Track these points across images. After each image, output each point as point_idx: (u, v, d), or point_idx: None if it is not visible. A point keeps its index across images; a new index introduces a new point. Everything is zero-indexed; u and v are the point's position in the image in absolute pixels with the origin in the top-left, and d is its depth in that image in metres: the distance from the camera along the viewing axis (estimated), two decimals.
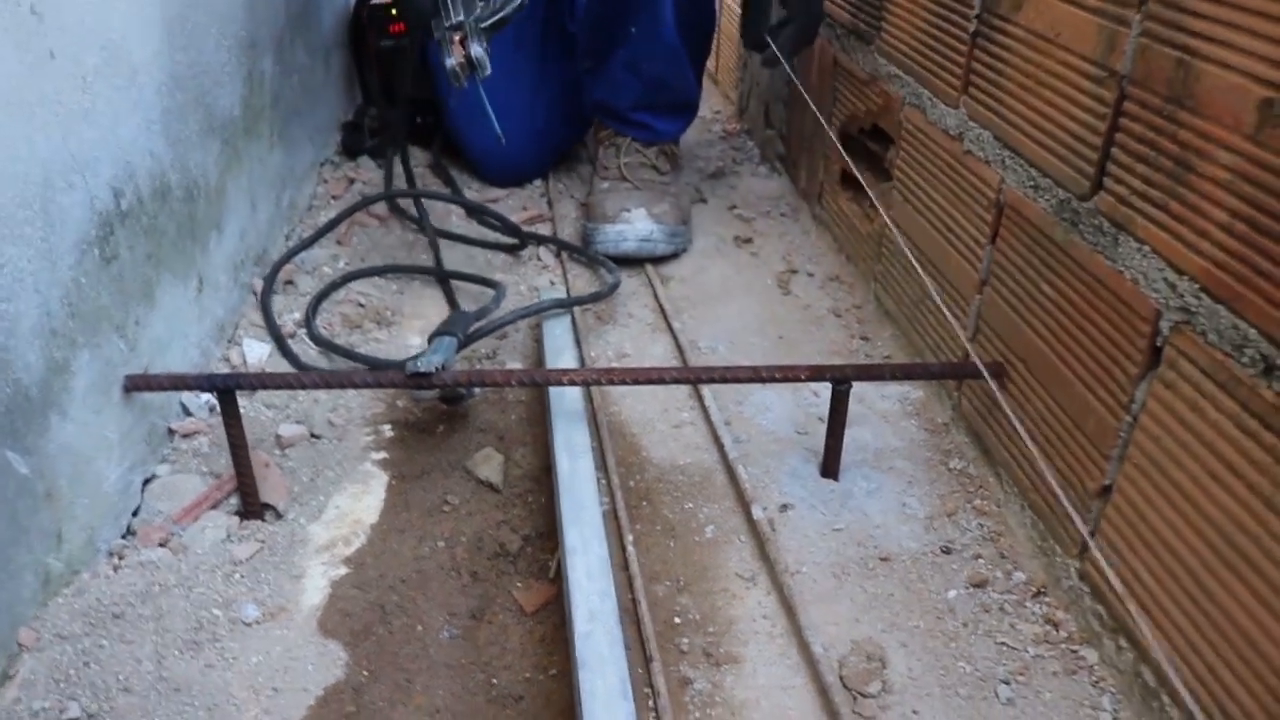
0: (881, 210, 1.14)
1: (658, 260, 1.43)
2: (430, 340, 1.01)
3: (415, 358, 0.93)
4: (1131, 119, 0.74)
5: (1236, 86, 0.63)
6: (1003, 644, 0.80)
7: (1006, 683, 0.77)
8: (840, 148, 1.32)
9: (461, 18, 1.16)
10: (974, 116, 0.99)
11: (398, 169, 1.67)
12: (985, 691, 0.76)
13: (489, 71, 1.15)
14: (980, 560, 0.89)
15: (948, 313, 0.95)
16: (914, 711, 0.74)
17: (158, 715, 0.73)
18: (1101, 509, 0.78)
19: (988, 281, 0.96)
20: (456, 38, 1.15)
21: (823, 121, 1.43)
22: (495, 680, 0.79)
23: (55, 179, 0.79)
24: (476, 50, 1.14)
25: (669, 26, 1.43)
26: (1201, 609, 0.67)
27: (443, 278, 1.35)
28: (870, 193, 1.09)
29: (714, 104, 2.13)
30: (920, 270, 1.08)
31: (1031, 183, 0.88)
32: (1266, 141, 0.61)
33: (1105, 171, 0.78)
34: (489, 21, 1.19)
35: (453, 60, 1.13)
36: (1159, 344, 0.71)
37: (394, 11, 1.70)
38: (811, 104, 1.39)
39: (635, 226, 1.40)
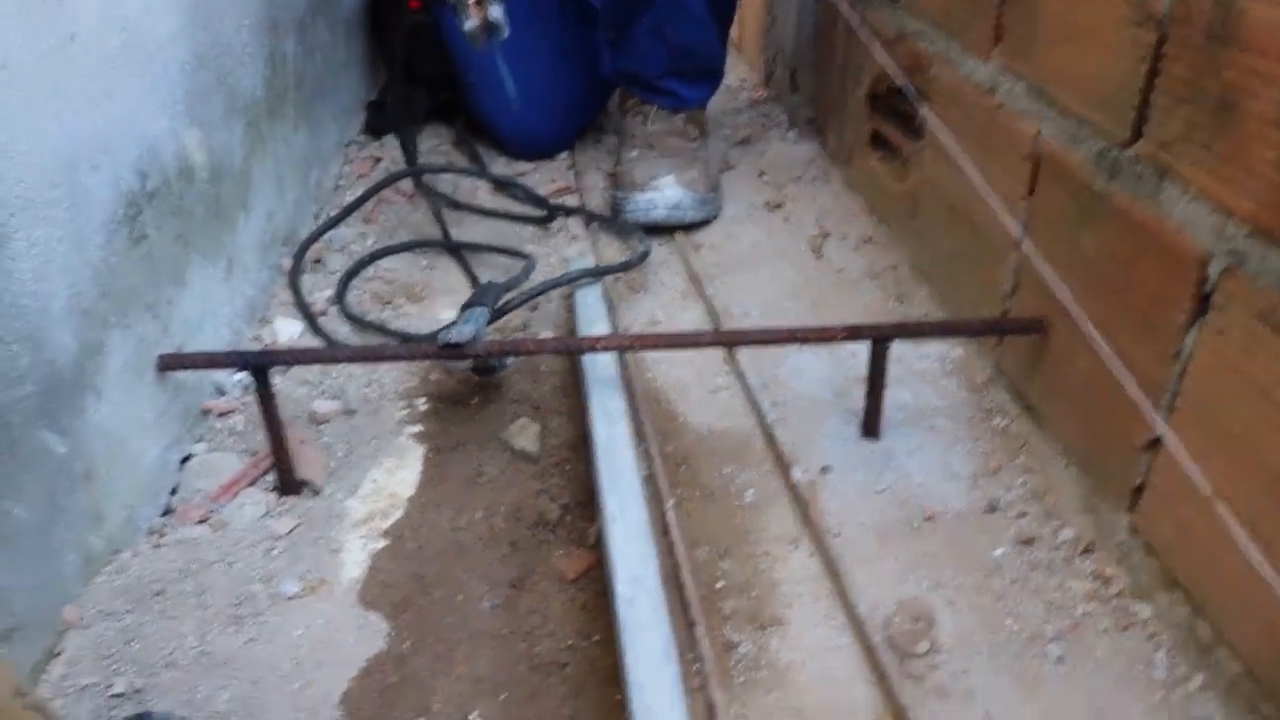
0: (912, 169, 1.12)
1: (688, 228, 1.41)
2: (461, 312, 1.01)
3: (447, 329, 0.93)
4: (1172, 60, 0.72)
5: None
6: (1052, 601, 0.79)
7: (1057, 640, 0.75)
8: (867, 108, 1.30)
9: None
10: (1007, 69, 0.97)
11: (422, 146, 1.67)
12: (1035, 650, 0.75)
13: (507, 33, 1.14)
14: (1026, 518, 0.87)
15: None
16: (963, 671, 0.73)
17: (201, 689, 0.73)
18: (1151, 461, 0.76)
19: (1027, 235, 0.94)
20: (472, 0, 1.14)
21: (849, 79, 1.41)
22: (538, 649, 0.78)
23: (80, 160, 0.78)
24: (495, 12, 1.13)
25: None
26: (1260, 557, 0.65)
27: (458, 250, 1.34)
28: (903, 150, 1.07)
29: (740, 72, 2.11)
30: (956, 228, 1.07)
31: (1069, 133, 0.86)
32: None
33: (1145, 117, 0.76)
34: None
35: (472, 22, 1.12)
36: (1207, 290, 0.69)
37: None
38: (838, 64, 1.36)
39: (665, 194, 1.38)
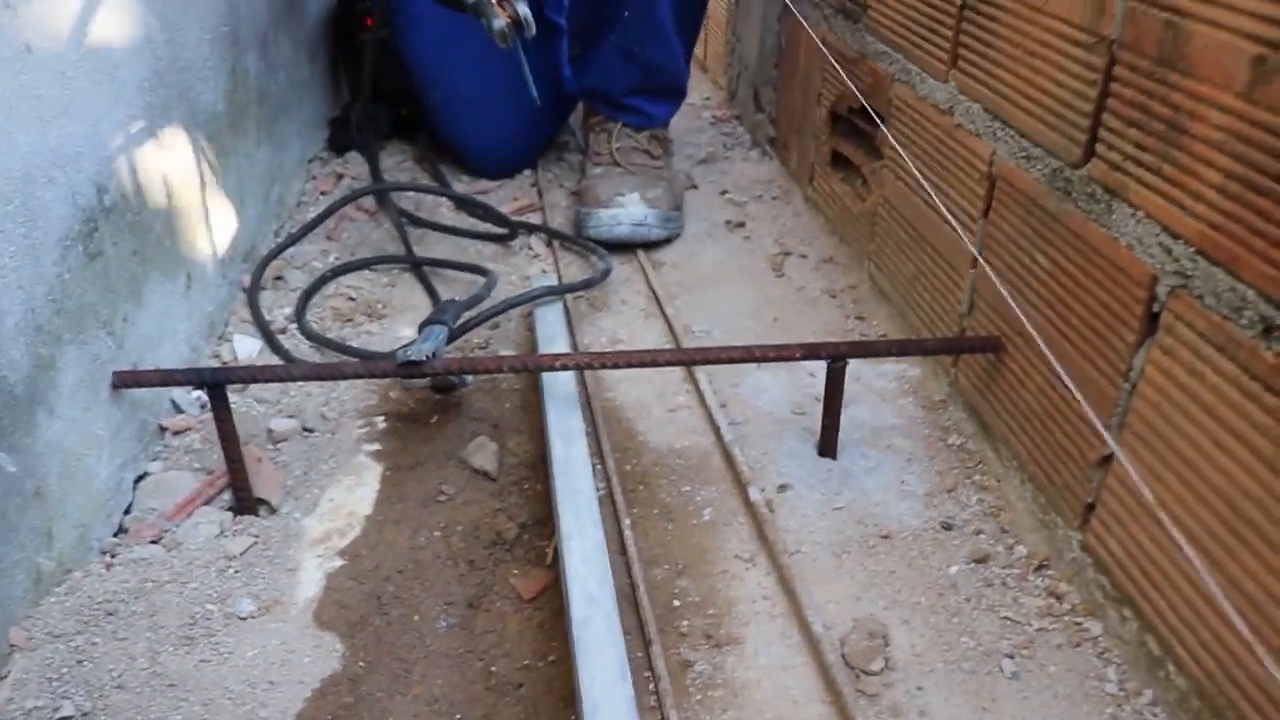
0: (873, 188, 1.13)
1: (650, 246, 1.42)
2: (420, 329, 1.00)
3: (406, 347, 0.92)
4: (1122, 84, 0.73)
5: (1228, 45, 0.62)
6: (1006, 618, 0.79)
7: (1011, 656, 0.76)
8: (828, 128, 1.31)
9: None
10: (964, 90, 0.98)
11: (385, 163, 1.67)
12: (989, 666, 0.75)
13: (534, 30, 1.14)
14: (981, 535, 0.88)
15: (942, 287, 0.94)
16: (918, 688, 0.74)
17: (152, 711, 0.72)
18: (1102, 479, 0.77)
19: (982, 255, 0.95)
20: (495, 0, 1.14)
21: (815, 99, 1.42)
22: (494, 668, 0.78)
23: (36, 174, 0.78)
24: (523, 9, 1.13)
25: (665, 11, 1.43)
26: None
27: (419, 266, 1.34)
28: (862, 171, 1.08)
29: (703, 90, 2.12)
30: (914, 248, 1.08)
31: (1023, 153, 0.87)
32: (1260, 99, 0.60)
33: (1097, 138, 0.77)
34: None
35: (500, 21, 1.12)
36: (1156, 310, 0.71)
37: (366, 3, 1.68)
38: (798, 86, 1.38)
39: (629, 211, 1.39)
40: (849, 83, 1.24)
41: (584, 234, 1.42)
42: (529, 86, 1.20)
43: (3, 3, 0.73)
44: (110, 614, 0.79)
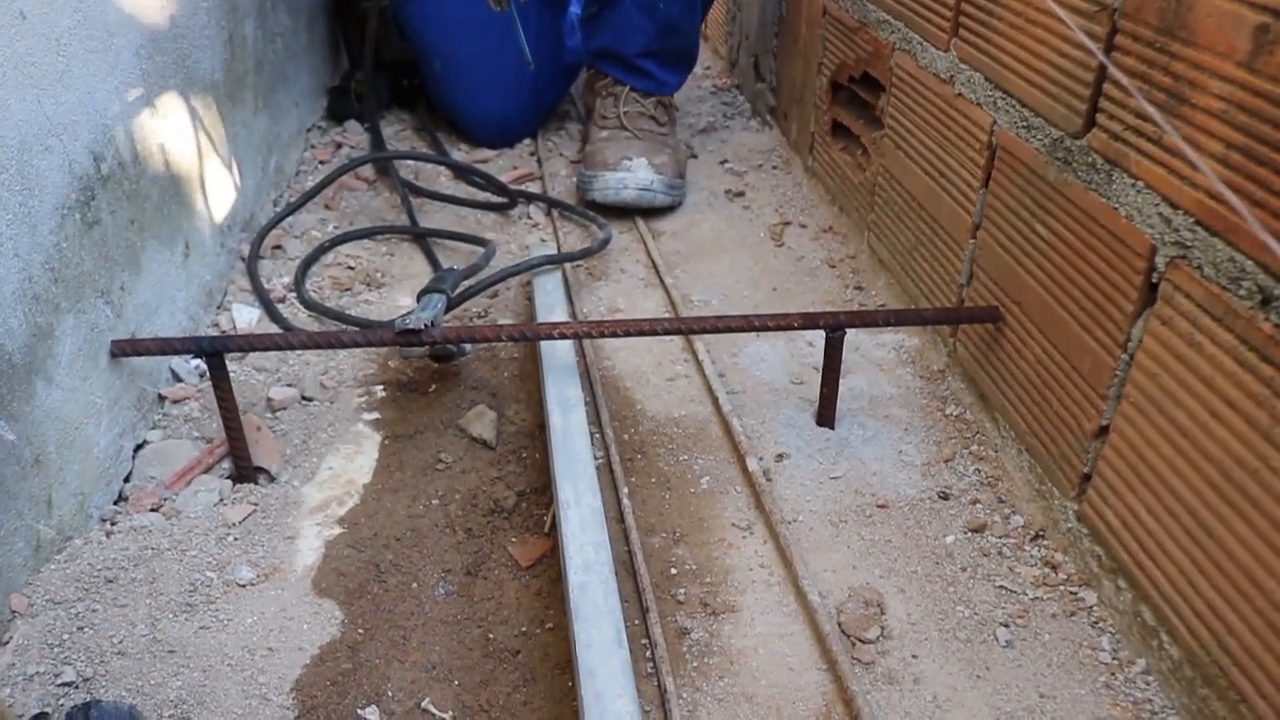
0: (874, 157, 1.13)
1: (649, 215, 1.42)
2: (419, 298, 1.00)
3: (404, 315, 0.92)
4: (1123, 53, 0.73)
5: (1230, 13, 0.62)
6: (1001, 587, 0.80)
7: (1006, 625, 0.76)
8: (829, 97, 1.31)
9: None
10: (965, 59, 0.97)
11: (384, 132, 1.66)
12: (984, 635, 0.76)
13: None
14: (978, 505, 0.88)
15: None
16: (913, 656, 0.74)
17: (152, 677, 0.72)
18: (1099, 450, 0.77)
19: (981, 225, 0.95)
20: None
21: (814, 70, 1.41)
22: (492, 635, 0.78)
23: (32, 142, 0.77)
24: None
25: None
26: (1201, 546, 0.66)
27: (421, 236, 1.34)
28: (862, 140, 1.08)
29: (704, 59, 2.11)
30: (913, 218, 1.07)
31: (1024, 123, 0.87)
32: (1261, 69, 0.60)
33: (1097, 108, 0.76)
34: None
35: None
36: (1155, 280, 0.70)
37: None
38: (800, 53, 1.37)
39: (636, 175, 1.38)
40: (848, 51, 1.23)
41: (588, 197, 1.41)
42: (523, 49, 1.19)
43: None
44: (110, 581, 0.80)
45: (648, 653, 0.75)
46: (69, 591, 0.78)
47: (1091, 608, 0.77)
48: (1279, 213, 0.59)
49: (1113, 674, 0.72)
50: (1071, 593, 0.79)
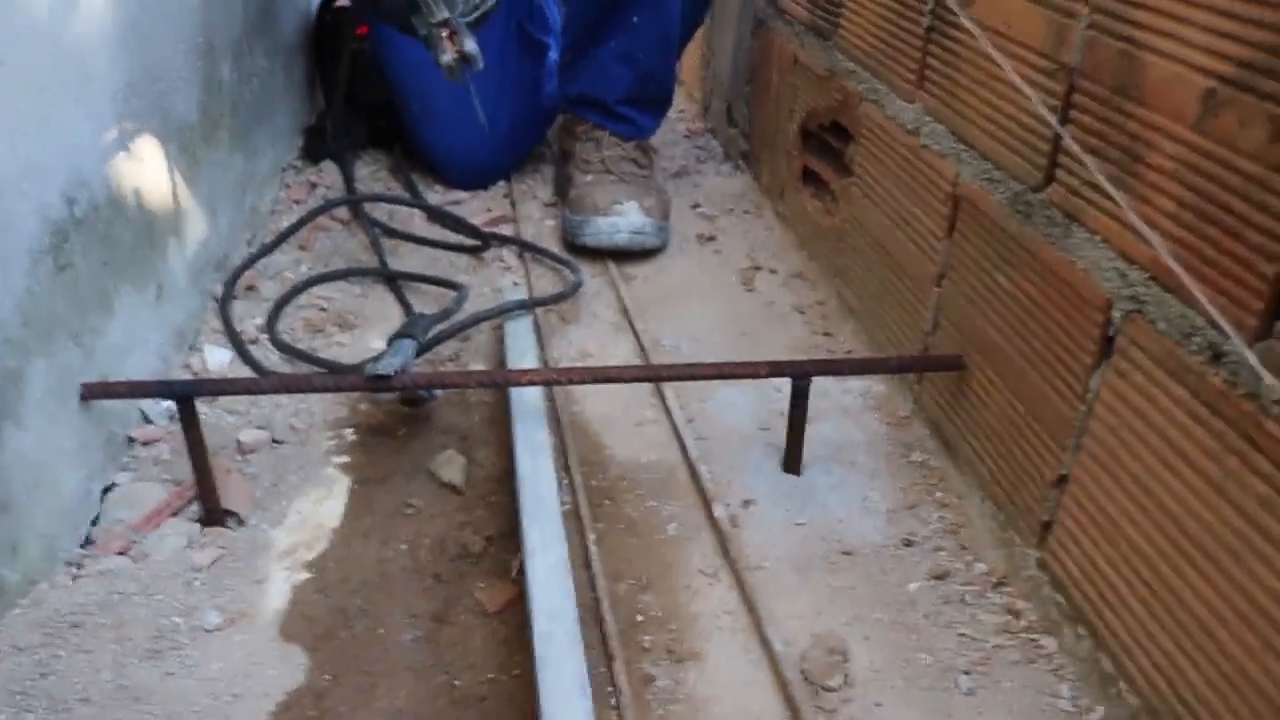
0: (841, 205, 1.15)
1: (621, 258, 1.43)
2: (390, 343, 1.01)
3: (375, 361, 0.93)
4: (1081, 111, 0.75)
5: (1179, 77, 0.64)
6: (964, 635, 0.81)
7: (967, 673, 0.77)
8: (799, 144, 1.33)
9: (446, 14, 1.16)
10: (930, 111, 0.99)
11: (359, 172, 1.67)
12: (946, 682, 0.77)
13: (482, 64, 1.16)
14: (942, 552, 0.89)
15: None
16: (876, 704, 0.75)
17: None
18: (1059, 498, 0.79)
19: (946, 275, 0.97)
20: (445, 33, 1.15)
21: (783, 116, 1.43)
22: (458, 681, 0.79)
23: (5, 186, 0.78)
24: (470, 45, 1.14)
25: (674, 22, 1.45)
26: (1156, 595, 0.67)
27: (392, 279, 1.34)
28: (831, 188, 1.10)
29: (678, 104, 2.13)
30: (880, 265, 1.09)
31: (986, 175, 0.89)
32: (1210, 131, 0.62)
33: (1056, 163, 0.78)
34: (472, 16, 1.19)
35: (448, 56, 1.13)
36: (1111, 333, 0.72)
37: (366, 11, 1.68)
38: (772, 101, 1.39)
39: (629, 219, 1.40)
40: (818, 99, 1.26)
41: (578, 242, 1.42)
42: (477, 112, 1.21)
43: None
44: (76, 626, 0.79)
45: (613, 700, 0.75)
46: (33, 637, 0.78)
47: (1052, 655, 0.78)
48: (1228, 271, 0.61)
49: None
50: (1032, 640, 0.80)
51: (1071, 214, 0.77)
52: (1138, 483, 0.69)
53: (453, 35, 1.14)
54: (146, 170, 1.05)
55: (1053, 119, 0.75)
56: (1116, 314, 0.71)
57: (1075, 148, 0.72)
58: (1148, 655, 0.68)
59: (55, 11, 0.86)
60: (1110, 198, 0.71)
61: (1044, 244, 0.80)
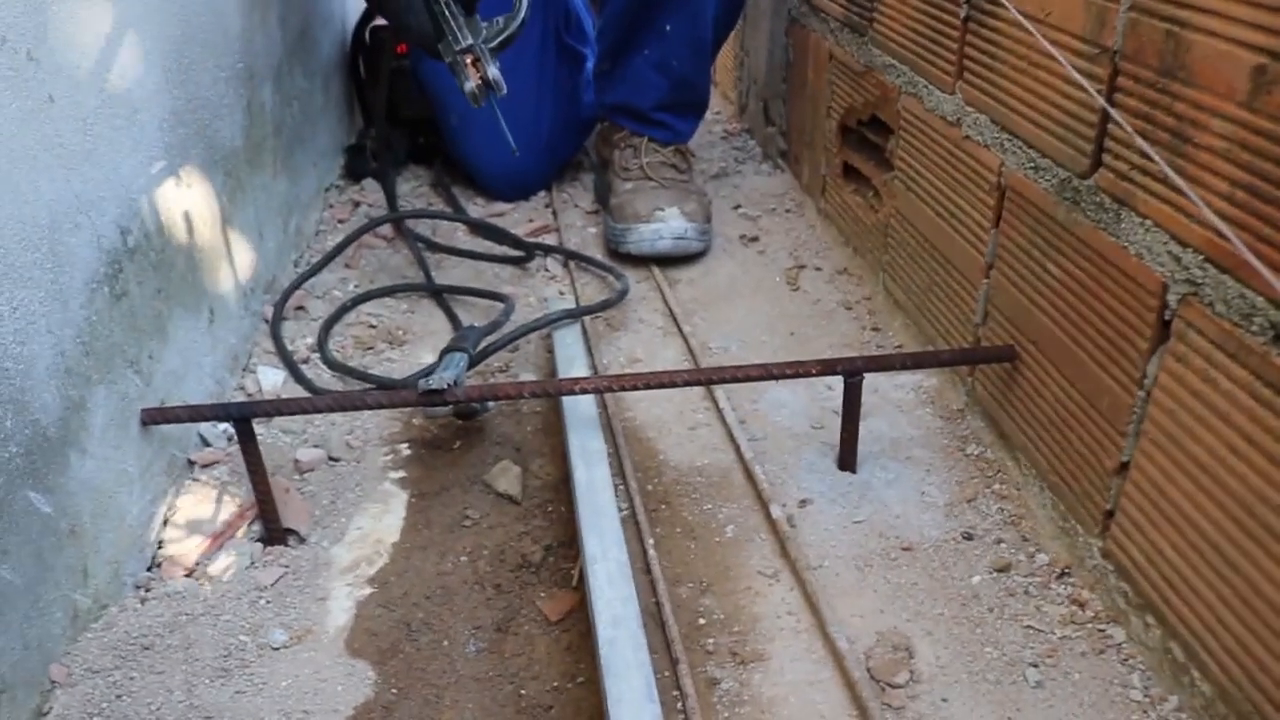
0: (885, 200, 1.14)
1: (666, 263, 1.43)
2: (441, 356, 1.02)
3: (427, 375, 0.94)
4: (1126, 94, 0.74)
5: (1228, 55, 0.63)
6: (1029, 627, 0.80)
7: (1035, 665, 0.76)
8: (839, 140, 1.32)
9: (470, 41, 1.18)
10: (971, 101, 0.99)
11: (401, 188, 1.69)
12: (1014, 675, 0.76)
13: (505, 90, 1.17)
14: (1002, 544, 0.88)
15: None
16: (943, 699, 0.74)
17: None
18: (1121, 486, 0.78)
19: (994, 265, 0.96)
20: (469, 60, 1.16)
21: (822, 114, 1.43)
22: (524, 691, 0.79)
23: (61, 220, 0.79)
24: (493, 71, 1.15)
25: (707, 27, 1.45)
26: (1227, 581, 0.66)
27: (438, 293, 1.36)
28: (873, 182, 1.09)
29: (714, 105, 2.13)
30: (927, 258, 1.08)
31: (1031, 164, 0.88)
32: (1261, 108, 0.61)
33: (1103, 148, 0.78)
34: (495, 42, 1.20)
35: (471, 84, 1.14)
36: (1167, 318, 0.71)
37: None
38: (809, 99, 1.39)
39: (670, 224, 1.40)
40: (856, 95, 1.25)
41: (622, 250, 1.43)
42: (506, 138, 1.22)
43: (26, 56, 0.75)
44: (146, 648, 0.81)
45: (679, 704, 0.75)
46: (106, 660, 0.79)
47: (1121, 645, 0.77)
48: None
49: (1145, 712, 0.72)
50: (1100, 630, 0.79)
51: (1121, 199, 0.76)
52: (1202, 467, 0.68)
53: (476, 61, 1.15)
54: (194, 197, 1.06)
55: (1101, 100, 0.74)
56: (1172, 297, 0.70)
57: (1127, 128, 0.71)
58: (1220, 642, 0.67)
59: (101, 47, 0.87)
60: (1163, 180, 0.70)
61: (1093, 230, 0.79)
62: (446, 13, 1.16)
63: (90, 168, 0.85)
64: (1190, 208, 0.68)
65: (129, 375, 0.89)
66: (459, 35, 1.15)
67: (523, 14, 1.20)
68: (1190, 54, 0.66)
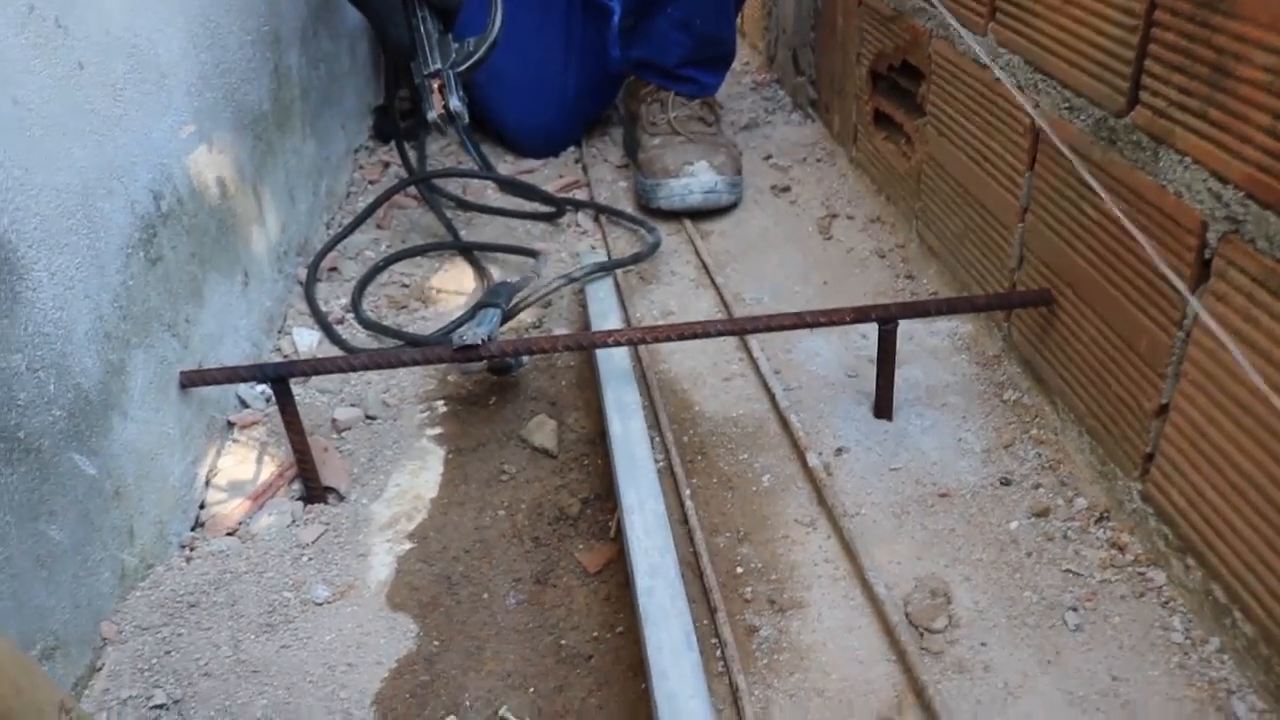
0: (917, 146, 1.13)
1: (698, 215, 1.42)
2: (474, 312, 1.02)
3: (461, 331, 0.94)
4: (1164, 28, 0.72)
5: None
6: (1068, 571, 0.80)
7: (1074, 609, 0.76)
8: (869, 87, 1.30)
9: (439, 65, 1.18)
10: (1003, 43, 0.97)
11: (430, 147, 1.68)
12: (1053, 619, 0.76)
13: (467, 120, 1.19)
14: (1040, 489, 0.88)
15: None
16: (982, 644, 0.74)
17: (239, 697, 0.75)
18: (1160, 429, 0.77)
19: (1029, 209, 0.95)
20: (435, 85, 1.17)
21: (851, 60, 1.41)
22: (564, 641, 0.80)
23: (95, 187, 0.80)
24: (455, 103, 1.16)
25: None
26: (1270, 521, 0.66)
27: (469, 251, 1.36)
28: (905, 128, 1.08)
29: (742, 55, 2.11)
30: (961, 203, 1.07)
31: (1066, 104, 0.87)
32: None
33: (1140, 85, 0.76)
34: (464, 65, 1.21)
35: (433, 113, 1.16)
36: (1207, 256, 0.70)
37: None
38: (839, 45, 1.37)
39: (700, 179, 1.40)
40: (886, 40, 1.23)
41: (653, 205, 1.42)
42: (479, 157, 1.23)
43: (55, 23, 0.75)
44: (193, 605, 0.82)
45: (718, 652, 0.76)
46: (155, 617, 0.81)
47: (1161, 588, 0.77)
48: None
49: (1186, 654, 0.72)
50: (1140, 573, 0.79)
51: (1159, 136, 0.74)
52: (1244, 408, 0.67)
53: (442, 89, 1.15)
54: (225, 161, 1.07)
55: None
56: (1212, 235, 0.69)
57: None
58: (1263, 582, 0.66)
59: (129, 13, 0.87)
60: (1202, 116, 0.69)
61: (1130, 170, 0.78)
62: (422, 29, 1.17)
63: (121, 133, 0.85)
64: (1231, 143, 0.66)
65: (166, 338, 0.90)
66: (429, 57, 1.16)
67: (494, 35, 1.21)
68: None
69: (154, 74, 0.92)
